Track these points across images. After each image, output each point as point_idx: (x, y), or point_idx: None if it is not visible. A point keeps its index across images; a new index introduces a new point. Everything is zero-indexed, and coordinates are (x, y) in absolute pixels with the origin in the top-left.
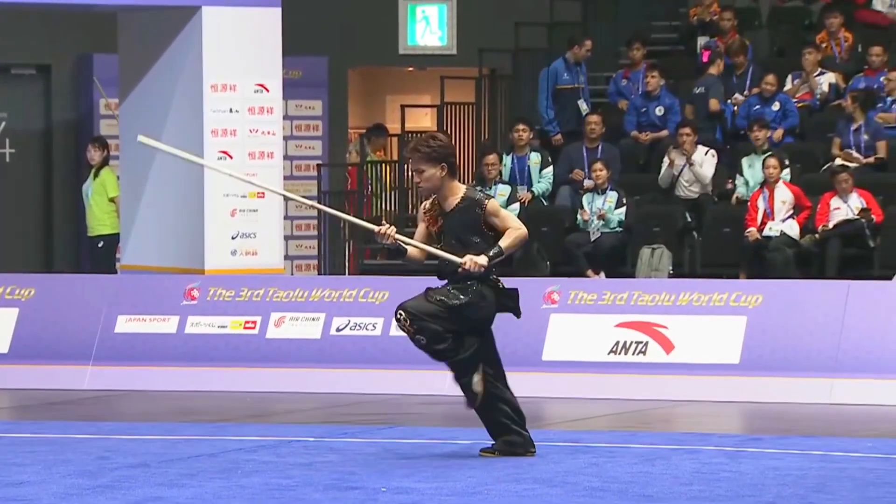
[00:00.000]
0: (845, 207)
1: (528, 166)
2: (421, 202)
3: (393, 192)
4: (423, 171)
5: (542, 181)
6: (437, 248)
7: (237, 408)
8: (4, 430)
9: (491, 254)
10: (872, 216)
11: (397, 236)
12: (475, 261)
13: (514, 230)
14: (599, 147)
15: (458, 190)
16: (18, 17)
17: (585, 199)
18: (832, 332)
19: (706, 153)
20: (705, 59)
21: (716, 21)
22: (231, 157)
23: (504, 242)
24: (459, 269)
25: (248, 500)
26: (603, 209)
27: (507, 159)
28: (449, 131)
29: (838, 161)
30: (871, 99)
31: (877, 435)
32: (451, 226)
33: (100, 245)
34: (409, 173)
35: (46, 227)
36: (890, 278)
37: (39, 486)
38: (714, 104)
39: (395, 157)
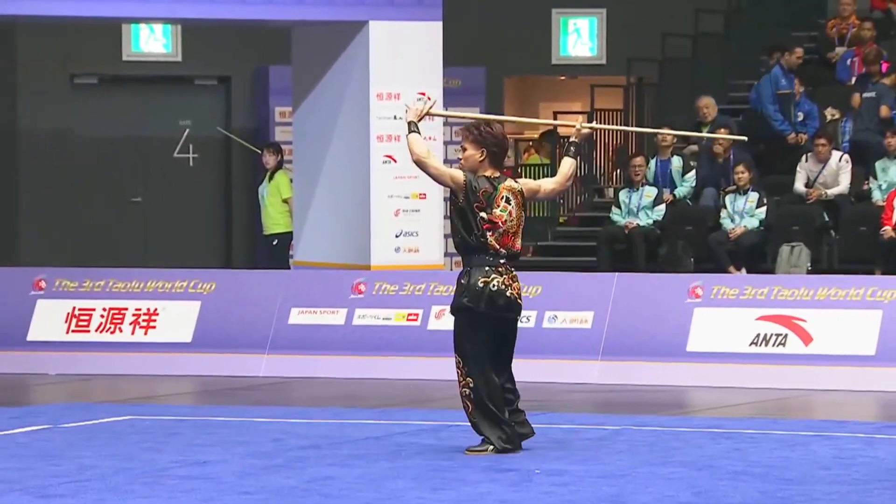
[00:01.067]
0: None
1: (671, 170)
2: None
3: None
4: (466, 149)
5: (685, 185)
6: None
7: (401, 394)
8: (188, 414)
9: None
10: None
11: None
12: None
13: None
14: (731, 153)
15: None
16: (201, 32)
17: (728, 199)
18: None
19: (840, 159)
20: (884, 69)
21: (854, 32)
22: (395, 161)
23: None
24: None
25: (412, 480)
26: (742, 218)
27: (652, 162)
28: (598, 137)
29: None
30: None
31: None
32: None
33: (274, 243)
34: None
35: (226, 226)
36: None
37: (221, 466)
38: (885, 111)
39: (547, 161)
